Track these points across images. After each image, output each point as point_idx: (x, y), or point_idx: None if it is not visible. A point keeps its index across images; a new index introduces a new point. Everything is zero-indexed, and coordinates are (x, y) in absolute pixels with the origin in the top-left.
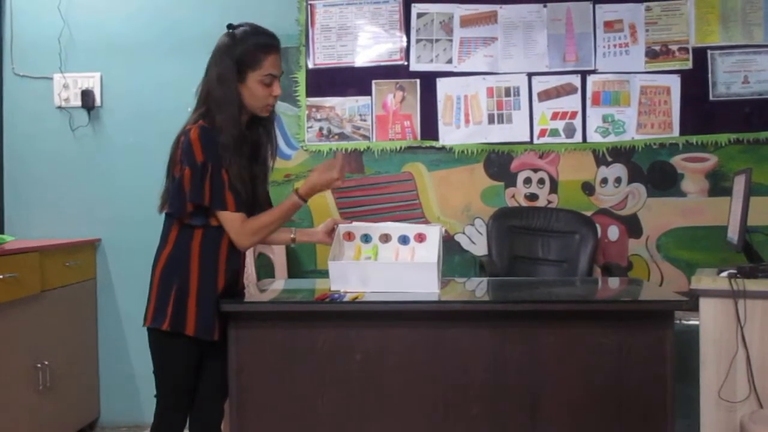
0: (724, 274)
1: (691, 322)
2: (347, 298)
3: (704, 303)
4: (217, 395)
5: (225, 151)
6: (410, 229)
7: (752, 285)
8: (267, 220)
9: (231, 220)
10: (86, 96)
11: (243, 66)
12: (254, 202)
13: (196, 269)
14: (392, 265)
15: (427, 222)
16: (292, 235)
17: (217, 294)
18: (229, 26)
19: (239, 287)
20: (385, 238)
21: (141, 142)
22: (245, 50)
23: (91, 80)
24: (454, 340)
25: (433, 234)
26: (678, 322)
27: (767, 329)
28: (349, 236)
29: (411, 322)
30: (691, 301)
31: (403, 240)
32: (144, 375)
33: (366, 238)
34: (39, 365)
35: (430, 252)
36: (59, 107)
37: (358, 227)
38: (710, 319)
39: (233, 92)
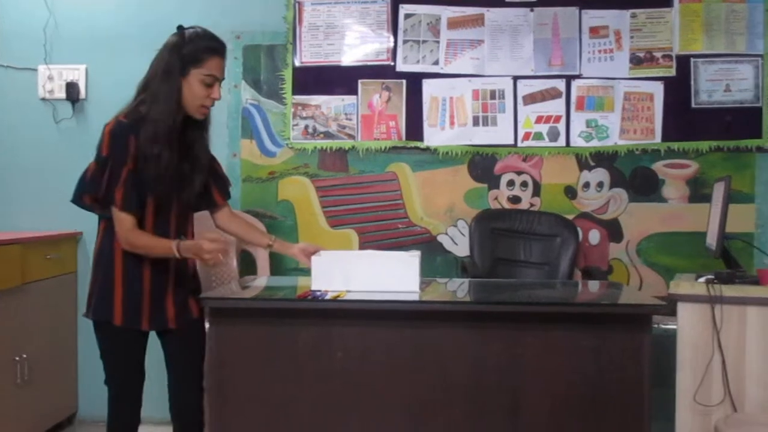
0: (702, 279)
1: (669, 326)
2: (329, 296)
3: (682, 308)
4: (189, 380)
5: (154, 142)
6: (389, 258)
7: (729, 291)
8: (145, 244)
9: (118, 218)
10: (71, 88)
11: (187, 62)
12: (179, 200)
13: (120, 260)
14: (374, 257)
15: (410, 224)
16: (269, 242)
17: (143, 284)
18: (179, 27)
19: (191, 274)
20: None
21: None
22: (192, 49)
23: (76, 72)
24: (435, 340)
25: (412, 265)
26: (656, 326)
27: (743, 334)
28: None
29: (392, 321)
30: (669, 306)
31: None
32: None
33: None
34: (17, 358)
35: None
36: (43, 99)
37: (339, 255)
38: (687, 324)
39: (174, 87)
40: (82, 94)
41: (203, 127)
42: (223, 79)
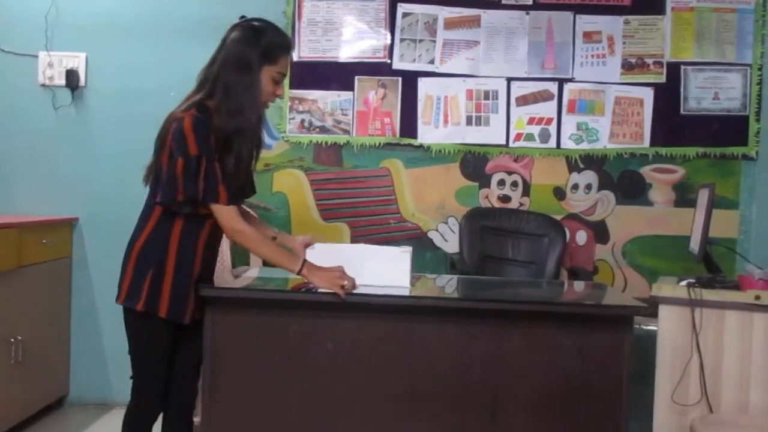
0: (684, 283)
1: (650, 328)
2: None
3: (663, 310)
4: (189, 376)
5: (238, 136)
6: (382, 252)
7: (709, 295)
8: (255, 243)
9: (224, 211)
10: (71, 75)
11: (262, 58)
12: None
13: (174, 253)
14: (367, 251)
15: (402, 219)
16: (273, 235)
17: (192, 279)
18: (242, 17)
19: (211, 273)
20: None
21: (123, 123)
22: (267, 45)
23: (77, 60)
24: (423, 334)
25: (404, 260)
26: (637, 326)
27: (721, 338)
28: None
29: (382, 314)
30: (650, 308)
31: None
32: (114, 354)
33: None
34: (12, 339)
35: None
36: (43, 85)
37: (333, 248)
38: (668, 326)
39: (254, 80)
40: (82, 81)
41: (260, 124)
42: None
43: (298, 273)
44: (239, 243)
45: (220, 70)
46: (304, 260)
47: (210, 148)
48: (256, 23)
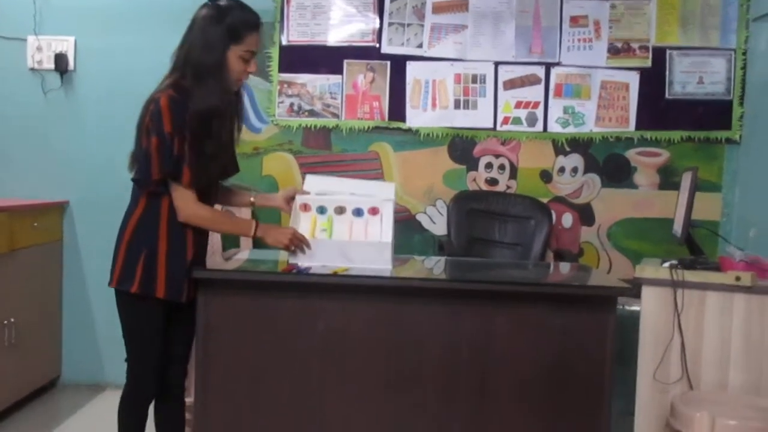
0: (666, 264)
1: (633, 308)
2: (330, 271)
3: (646, 291)
4: (181, 357)
5: (211, 118)
6: (365, 202)
7: (691, 276)
8: (209, 217)
9: (182, 193)
10: (59, 59)
11: (227, 38)
12: (221, 169)
13: (165, 233)
14: (350, 243)
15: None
16: (251, 199)
17: (187, 257)
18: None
19: (203, 254)
20: (340, 210)
21: (112, 107)
22: (232, 23)
23: (65, 44)
24: (411, 315)
25: (387, 209)
26: (621, 307)
27: (702, 318)
28: (305, 207)
29: (371, 296)
30: (634, 289)
31: (358, 212)
32: (106, 336)
33: (321, 210)
34: (5, 322)
35: (383, 227)
36: (32, 69)
37: (314, 199)
38: (650, 306)
39: (221, 60)
40: (71, 65)
41: (237, 96)
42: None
43: (253, 236)
44: (194, 225)
45: (188, 52)
46: (257, 224)
47: (183, 128)
48: (222, 2)
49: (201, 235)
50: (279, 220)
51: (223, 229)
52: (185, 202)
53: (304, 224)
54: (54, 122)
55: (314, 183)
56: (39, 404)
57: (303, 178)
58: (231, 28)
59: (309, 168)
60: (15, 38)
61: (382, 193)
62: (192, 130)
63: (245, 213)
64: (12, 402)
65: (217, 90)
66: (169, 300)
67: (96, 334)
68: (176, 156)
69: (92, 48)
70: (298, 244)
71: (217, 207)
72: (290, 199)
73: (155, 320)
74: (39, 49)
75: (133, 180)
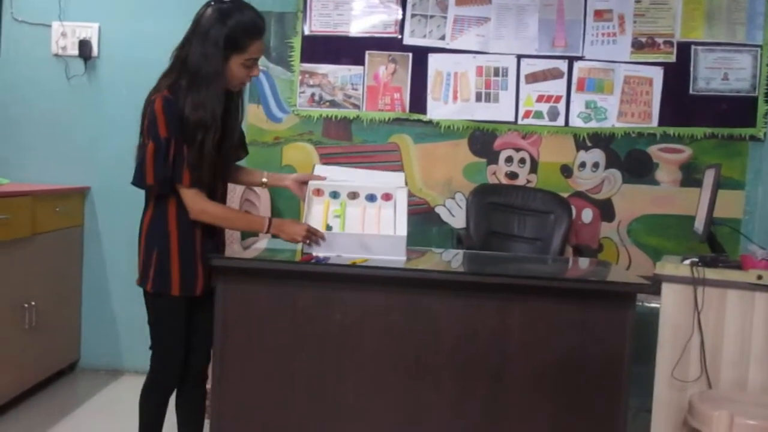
0: (687, 262)
1: (652, 305)
2: (349, 261)
3: (666, 288)
4: (204, 341)
5: (203, 126)
6: (377, 188)
7: (711, 274)
8: (219, 214)
9: (189, 193)
10: (83, 46)
11: (228, 47)
12: (219, 165)
13: (176, 233)
14: (365, 235)
15: (410, 194)
16: (264, 179)
17: (197, 253)
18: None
19: (222, 244)
20: (353, 195)
21: (135, 94)
22: (232, 31)
23: (89, 30)
24: (429, 306)
25: (401, 196)
26: (640, 304)
27: (722, 316)
28: (318, 192)
29: (389, 287)
30: (654, 286)
31: (371, 198)
32: (124, 322)
33: (334, 195)
34: (26, 305)
35: (397, 215)
36: (56, 55)
37: (327, 185)
38: (670, 304)
39: (218, 70)
40: (95, 51)
41: (238, 93)
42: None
43: (267, 231)
44: (206, 222)
45: (187, 56)
46: (270, 220)
47: (179, 130)
48: (224, 4)
49: (212, 231)
50: (297, 204)
51: (235, 225)
52: (193, 201)
53: (316, 209)
54: (77, 108)
55: (323, 173)
56: (58, 387)
57: (312, 169)
58: (232, 37)
59: (329, 159)
60: (40, 24)
61: (393, 182)
62: (187, 134)
63: (264, 200)
64: (32, 384)
65: (209, 100)
66: (183, 296)
67: (115, 319)
68: (173, 159)
69: (116, 35)
70: (313, 239)
71: (229, 205)
72: (302, 183)
73: (175, 316)
74: (63, 35)
75: (132, 185)
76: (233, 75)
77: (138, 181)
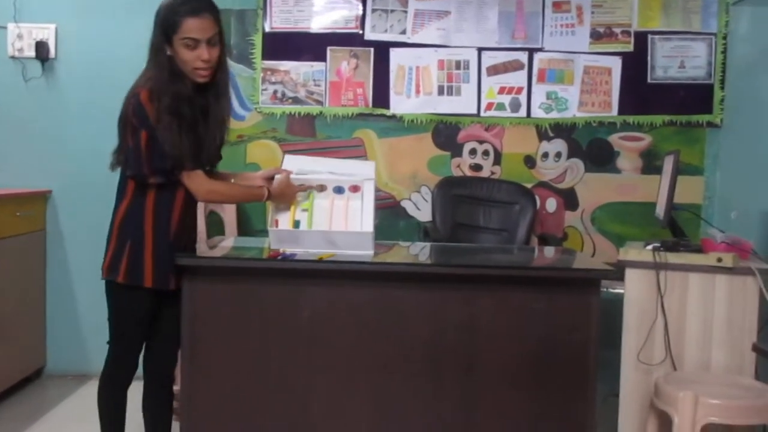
0: (649, 247)
1: (617, 291)
2: (317, 257)
3: (629, 273)
4: (171, 342)
5: (168, 114)
6: (345, 181)
7: (673, 258)
8: (225, 190)
9: (191, 176)
10: (40, 47)
11: (166, 30)
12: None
13: (151, 225)
14: (331, 232)
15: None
16: (231, 180)
17: (172, 246)
18: None
19: (192, 242)
20: (321, 187)
21: (94, 95)
22: (164, 12)
23: (46, 32)
24: (397, 300)
25: (368, 188)
26: (605, 290)
27: (684, 299)
28: None
29: (357, 282)
30: (617, 271)
31: (338, 190)
32: (90, 326)
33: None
34: None
35: (364, 207)
36: (12, 57)
37: (295, 179)
38: (634, 288)
39: (164, 59)
40: (52, 53)
41: (218, 92)
42: (210, 37)
43: (267, 199)
44: (215, 201)
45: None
46: (268, 189)
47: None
48: None
49: (188, 225)
50: (265, 212)
51: (239, 197)
52: (197, 184)
53: (284, 205)
54: (36, 110)
55: (293, 163)
56: (24, 395)
57: (282, 158)
58: (165, 18)
59: (294, 155)
60: None
61: (362, 172)
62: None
63: (229, 213)
64: None
65: (162, 89)
66: (156, 288)
67: (80, 323)
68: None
69: (73, 35)
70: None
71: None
72: (269, 179)
73: (142, 308)
74: (19, 36)
75: (128, 177)
76: (180, 58)
77: (136, 171)
